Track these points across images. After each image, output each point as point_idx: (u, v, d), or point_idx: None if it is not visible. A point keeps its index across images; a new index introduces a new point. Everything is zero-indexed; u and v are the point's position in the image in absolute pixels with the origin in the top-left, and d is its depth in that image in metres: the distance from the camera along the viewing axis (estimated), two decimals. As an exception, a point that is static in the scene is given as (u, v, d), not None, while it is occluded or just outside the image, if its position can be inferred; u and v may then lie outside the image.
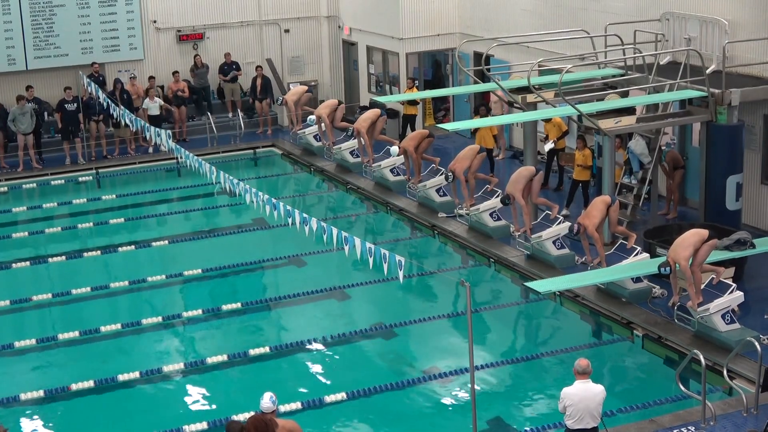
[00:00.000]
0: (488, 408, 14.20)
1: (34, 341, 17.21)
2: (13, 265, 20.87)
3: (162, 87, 29.23)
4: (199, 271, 19.97)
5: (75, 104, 27.35)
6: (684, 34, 20.46)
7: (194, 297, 19.12)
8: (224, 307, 18.18)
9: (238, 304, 18.26)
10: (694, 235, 15.56)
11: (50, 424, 14.86)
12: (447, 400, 14.70)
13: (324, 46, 31.76)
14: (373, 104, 28.87)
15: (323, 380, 15.63)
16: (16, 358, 16.85)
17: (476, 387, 13.34)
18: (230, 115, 29.89)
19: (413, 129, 27.43)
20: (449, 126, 21.19)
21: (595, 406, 11.92)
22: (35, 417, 14.96)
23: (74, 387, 15.51)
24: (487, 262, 19.82)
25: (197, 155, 21.64)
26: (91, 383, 15.56)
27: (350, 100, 31.38)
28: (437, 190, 22.03)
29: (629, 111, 19.13)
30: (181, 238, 22.03)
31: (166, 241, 21.77)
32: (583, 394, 11.89)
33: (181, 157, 22.70)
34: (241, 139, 28.78)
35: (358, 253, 16.12)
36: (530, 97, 20.28)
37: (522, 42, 23.39)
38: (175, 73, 29.33)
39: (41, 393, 15.40)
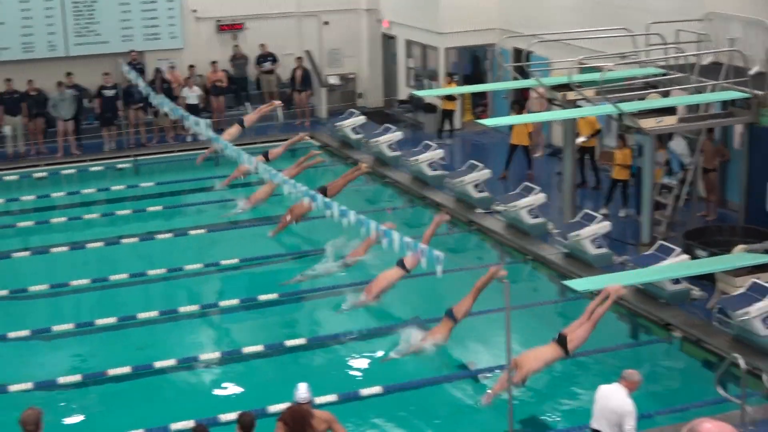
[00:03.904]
0: (524, 407, 14.14)
1: (71, 326, 17.33)
2: (51, 250, 20.99)
3: (201, 76, 29.31)
4: (237, 260, 20.03)
5: (114, 90, 27.50)
6: (727, 35, 20.29)
7: (231, 286, 19.17)
8: (261, 298, 18.21)
9: (275, 295, 18.28)
10: (552, 353, 14.28)
11: (86, 408, 14.95)
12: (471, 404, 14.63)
13: (363, 39, 31.77)
14: (411, 98, 28.90)
15: (359, 373, 15.63)
16: (53, 343, 16.96)
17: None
18: (268, 106, 29.93)
19: (451, 124, 27.43)
20: (488, 122, 21.12)
21: (610, 413, 11.73)
22: (72, 401, 15.06)
23: (110, 372, 15.61)
24: (523, 260, 19.76)
25: (235, 145, 21.72)
26: (127, 369, 15.66)
27: (388, 94, 31.40)
28: (475, 186, 21.98)
29: (670, 111, 19.00)
30: (218, 227, 22.09)
31: (204, 230, 21.84)
32: (605, 400, 11.81)
33: (219, 147, 22.81)
34: (279, 130, 28.84)
35: (396, 247, 16.13)
36: (570, 95, 20.19)
37: (562, 39, 23.28)
38: (213, 62, 29.43)
39: (78, 377, 15.51)
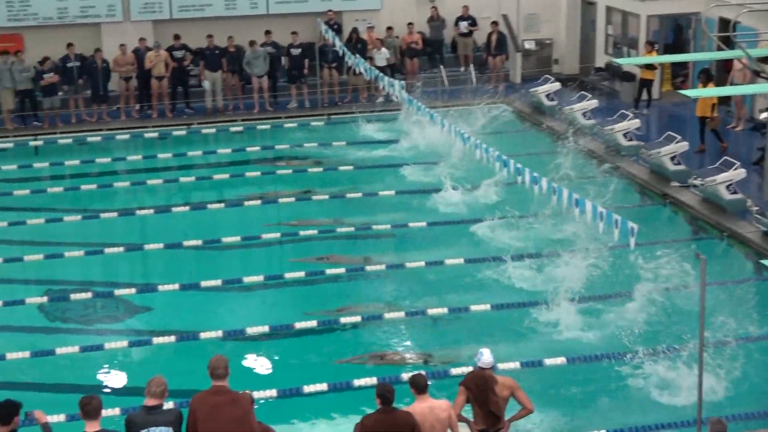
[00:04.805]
0: (717, 390, 13.67)
1: (261, 278, 17.68)
2: (245, 203, 21.47)
3: (397, 38, 29.34)
4: (424, 223, 20.00)
5: (299, 49, 27.86)
6: None
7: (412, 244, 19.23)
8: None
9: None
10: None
11: (275, 358, 15.29)
12: (671, 374, 14.20)
13: (561, 5, 31.12)
14: (609, 66, 28.26)
15: (541, 342, 15.39)
16: (244, 294, 17.35)
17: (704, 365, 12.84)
18: (462, 69, 29.79)
19: (650, 94, 26.65)
20: (689, 92, 20.48)
21: None
22: (259, 351, 15.39)
23: (297, 326, 15.86)
24: (719, 236, 19.08)
25: (427, 107, 21.74)
26: (314, 323, 15.88)
27: (585, 61, 30.75)
28: (671, 158, 21.33)
29: None
30: (407, 188, 22.09)
31: (393, 192, 21.90)
32: None
33: (411, 108, 22.88)
34: (471, 94, 28.64)
35: (588, 216, 15.85)
36: (779, 67, 19.34)
37: (773, 9, 22.28)
38: (409, 24, 29.41)
39: (266, 328, 15.82)
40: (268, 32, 28.13)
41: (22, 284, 18.35)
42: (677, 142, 21.42)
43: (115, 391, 14.31)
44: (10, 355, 15.07)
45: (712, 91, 22.90)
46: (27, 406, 9.89)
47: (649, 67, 26.32)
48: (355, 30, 28.71)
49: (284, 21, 29.15)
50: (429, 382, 10.81)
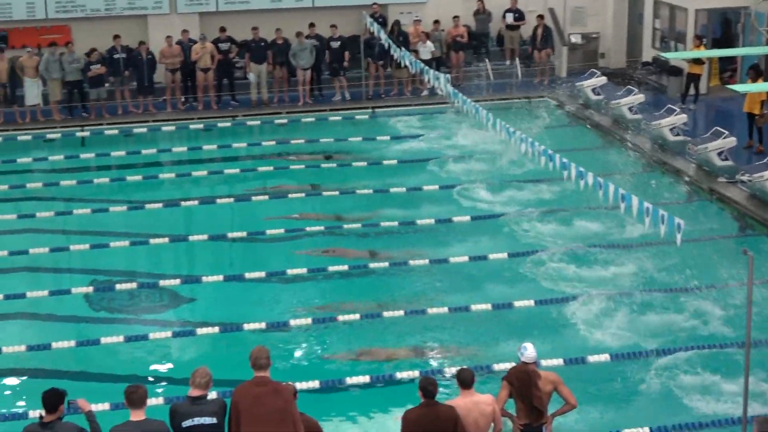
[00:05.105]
0: (764, 388, 13.53)
1: (304, 270, 17.72)
2: (289, 195, 21.52)
3: (443, 31, 29.24)
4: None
5: (339, 42, 27.86)
6: None
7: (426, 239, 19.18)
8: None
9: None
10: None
11: (316, 349, 15.33)
12: (716, 372, 14.05)
13: (609, -2, 30.94)
14: (656, 60, 27.99)
15: (588, 337, 15.29)
16: (287, 286, 17.38)
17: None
18: (507, 62, 29.67)
19: (697, 89, 26.40)
20: (738, 87, 20.27)
21: None
22: (302, 342, 15.44)
23: (341, 318, 15.89)
24: (767, 233, 18.87)
25: (472, 101, 21.66)
26: (356, 316, 15.89)
27: (632, 55, 30.52)
28: (719, 154, 21.12)
29: None
30: (449, 182, 22.05)
31: (436, 186, 21.85)
32: None
33: (457, 102, 22.80)
34: (516, 88, 28.54)
35: (634, 212, 15.72)
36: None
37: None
38: (455, 17, 29.31)
39: (309, 321, 15.84)
40: (311, 25, 28.14)
41: (68, 274, 18.53)
42: (725, 138, 21.21)
43: (159, 381, 14.40)
44: (55, 344, 15.19)
45: (762, 86, 22.63)
46: (72, 395, 9.95)
47: (697, 61, 26.08)
48: (397, 23, 28.66)
49: (329, 13, 29.13)
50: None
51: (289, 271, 17.62)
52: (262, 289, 17.27)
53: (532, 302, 16.24)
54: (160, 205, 21.16)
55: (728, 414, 13.01)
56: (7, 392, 14.27)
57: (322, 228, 19.71)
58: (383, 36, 26.35)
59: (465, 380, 10.61)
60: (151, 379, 14.41)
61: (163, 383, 14.34)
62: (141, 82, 27.21)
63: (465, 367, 11.34)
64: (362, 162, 23.72)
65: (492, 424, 10.61)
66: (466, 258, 18.01)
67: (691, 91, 26.39)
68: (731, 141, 21.24)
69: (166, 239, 19.31)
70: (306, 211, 20.81)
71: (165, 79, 27.55)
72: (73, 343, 15.26)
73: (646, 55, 29.58)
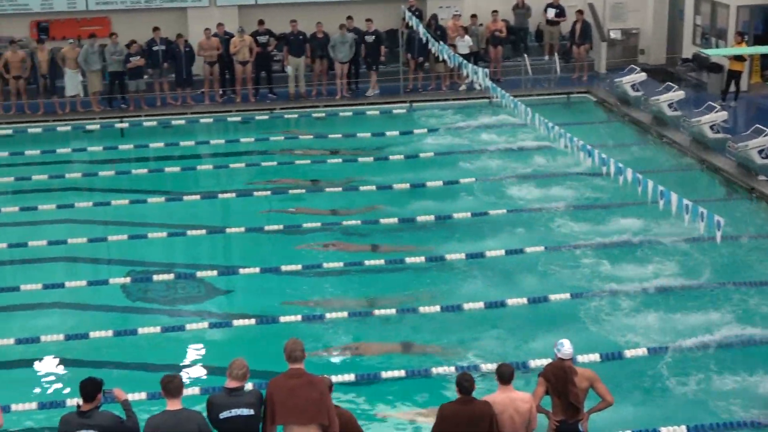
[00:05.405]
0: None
1: (341, 264, 17.73)
2: (326, 189, 21.54)
3: (481, 26, 29.13)
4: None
5: (374, 36, 27.84)
6: None
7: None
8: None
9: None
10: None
11: (350, 343, 15.35)
12: (756, 370, 13.93)
13: (649, -6, 30.73)
14: (696, 57, 27.77)
15: (622, 333, 15.19)
16: (323, 278, 17.39)
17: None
18: (546, 57, 29.53)
19: (738, 86, 26.17)
20: (780, 84, 20.05)
21: None
22: (337, 336, 15.45)
23: (376, 313, 15.87)
24: (806, 232, 18.74)
25: (511, 96, 21.58)
26: (392, 311, 15.88)
27: (672, 51, 30.29)
28: (759, 152, 20.92)
29: None
30: (490, 177, 21.98)
31: (473, 179, 21.81)
32: None
33: (495, 96, 22.73)
34: (555, 83, 28.41)
35: (674, 209, 15.62)
36: None
37: None
38: (494, 12, 29.20)
39: (345, 314, 15.86)
40: (349, 18, 28.11)
41: (105, 264, 18.66)
42: (765, 136, 21.00)
43: (195, 372, 14.46)
44: (93, 334, 15.29)
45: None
46: (109, 384, 10.03)
47: (738, 58, 25.84)
48: (434, 17, 28.58)
49: (366, 7, 29.11)
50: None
51: (325, 265, 17.63)
52: (298, 281, 17.28)
53: (568, 295, 16.18)
54: (197, 196, 21.26)
55: (766, 414, 12.89)
56: (46, 381, 14.38)
57: (358, 222, 19.67)
58: (422, 30, 26.28)
59: (503, 375, 10.57)
60: (187, 369, 14.48)
61: (199, 373, 14.41)
62: (179, 74, 27.32)
63: (505, 362, 11.29)
64: (399, 156, 23.68)
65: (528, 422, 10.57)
66: (502, 252, 17.92)
67: (732, 88, 26.17)
68: (772, 138, 21.05)
69: (204, 231, 19.39)
70: (341, 205, 20.82)
71: (203, 71, 27.65)
72: (110, 332, 15.35)
73: (686, 51, 29.33)
